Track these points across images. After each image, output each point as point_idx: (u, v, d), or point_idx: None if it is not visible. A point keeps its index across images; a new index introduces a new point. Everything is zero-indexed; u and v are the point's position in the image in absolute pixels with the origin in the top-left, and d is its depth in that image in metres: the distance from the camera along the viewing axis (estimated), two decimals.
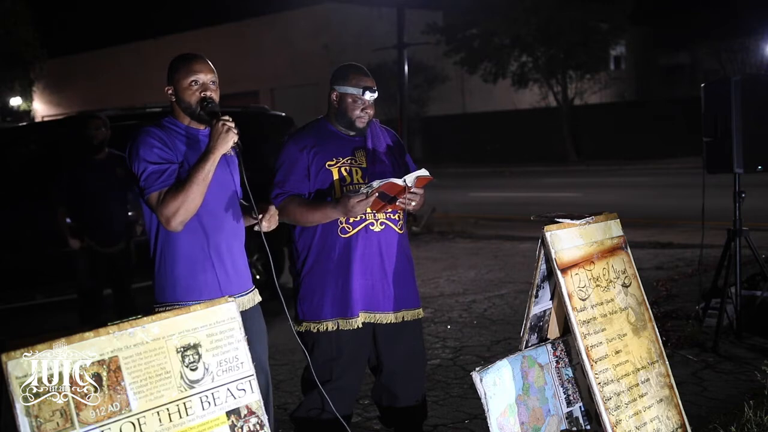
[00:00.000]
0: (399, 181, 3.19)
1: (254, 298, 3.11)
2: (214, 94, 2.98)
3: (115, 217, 5.87)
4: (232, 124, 2.86)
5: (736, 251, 5.26)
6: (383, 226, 3.39)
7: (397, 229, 3.44)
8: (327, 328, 3.36)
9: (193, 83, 2.94)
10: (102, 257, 5.84)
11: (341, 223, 3.34)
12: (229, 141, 2.84)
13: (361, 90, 3.37)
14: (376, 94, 3.41)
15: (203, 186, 2.82)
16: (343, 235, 3.34)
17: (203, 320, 2.48)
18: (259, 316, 3.13)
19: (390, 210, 3.37)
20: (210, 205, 2.93)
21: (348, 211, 3.23)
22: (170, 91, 2.99)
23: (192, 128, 3.00)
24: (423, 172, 3.27)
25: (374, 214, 3.36)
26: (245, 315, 2.95)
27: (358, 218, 3.33)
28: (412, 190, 3.26)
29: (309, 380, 3.46)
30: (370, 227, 3.37)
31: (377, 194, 3.20)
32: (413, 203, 3.32)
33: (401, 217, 3.47)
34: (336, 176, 3.37)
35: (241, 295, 3.03)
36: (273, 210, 3.11)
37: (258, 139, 7.14)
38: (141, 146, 2.87)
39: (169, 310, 2.57)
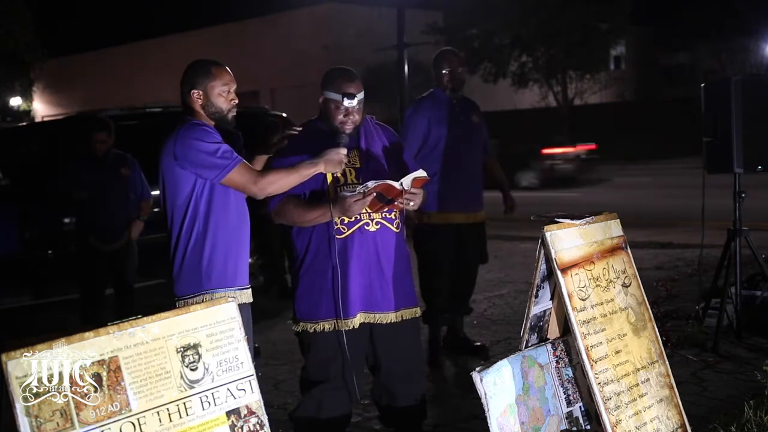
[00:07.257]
0: (395, 184, 3.19)
1: (249, 291, 3.25)
2: (235, 101, 3.17)
3: (118, 217, 5.88)
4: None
5: (736, 251, 5.26)
6: (378, 226, 3.38)
7: (393, 228, 3.43)
8: (324, 328, 3.36)
9: (225, 91, 3.11)
10: (105, 257, 5.85)
11: (336, 224, 3.33)
12: (336, 170, 3.20)
13: (341, 96, 3.35)
14: (355, 101, 3.36)
15: (298, 181, 3.12)
16: (338, 236, 3.33)
17: (203, 320, 2.48)
18: (248, 308, 3.23)
19: (386, 209, 3.37)
20: (240, 201, 3.15)
21: (345, 210, 3.23)
22: (197, 95, 3.10)
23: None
24: (420, 173, 3.26)
25: (370, 214, 3.35)
26: (243, 306, 3.08)
27: (353, 218, 3.32)
28: (410, 191, 3.26)
29: (307, 380, 3.47)
30: (365, 227, 3.36)
31: (374, 195, 3.20)
32: (411, 203, 3.32)
33: (397, 216, 3.46)
34: (330, 177, 3.36)
35: (247, 287, 3.21)
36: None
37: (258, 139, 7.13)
38: (202, 134, 2.99)
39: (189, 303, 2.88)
